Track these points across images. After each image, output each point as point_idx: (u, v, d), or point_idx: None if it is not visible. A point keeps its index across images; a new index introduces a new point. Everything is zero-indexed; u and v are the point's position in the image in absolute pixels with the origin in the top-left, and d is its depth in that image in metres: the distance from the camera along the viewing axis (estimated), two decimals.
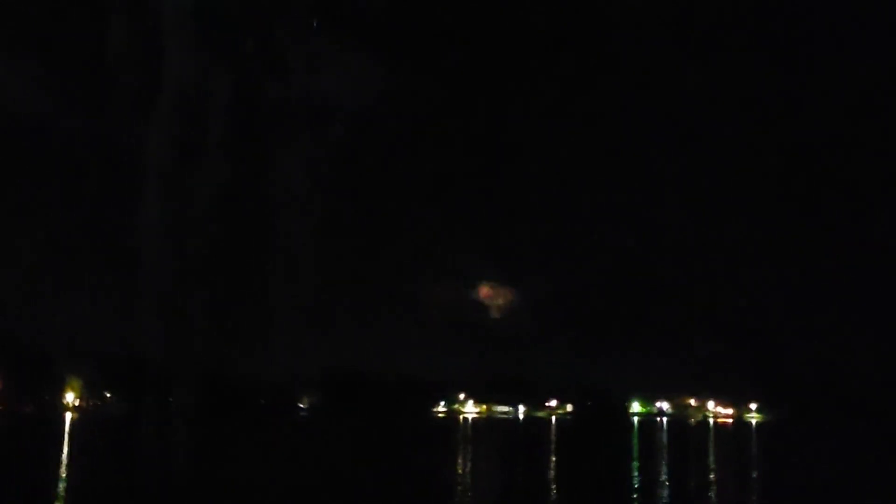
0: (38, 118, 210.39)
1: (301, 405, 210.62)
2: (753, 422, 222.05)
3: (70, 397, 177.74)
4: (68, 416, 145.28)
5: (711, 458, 72.51)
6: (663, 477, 50.60)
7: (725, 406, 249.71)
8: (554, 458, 66.59)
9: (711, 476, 53.54)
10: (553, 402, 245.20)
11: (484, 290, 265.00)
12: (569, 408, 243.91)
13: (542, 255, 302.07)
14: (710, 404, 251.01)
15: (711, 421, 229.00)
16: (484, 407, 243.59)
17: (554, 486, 43.97)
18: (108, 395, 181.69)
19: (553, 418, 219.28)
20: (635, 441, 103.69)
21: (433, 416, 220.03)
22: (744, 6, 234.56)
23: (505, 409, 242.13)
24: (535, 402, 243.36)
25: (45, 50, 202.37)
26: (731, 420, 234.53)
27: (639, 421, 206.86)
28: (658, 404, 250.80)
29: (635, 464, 63.00)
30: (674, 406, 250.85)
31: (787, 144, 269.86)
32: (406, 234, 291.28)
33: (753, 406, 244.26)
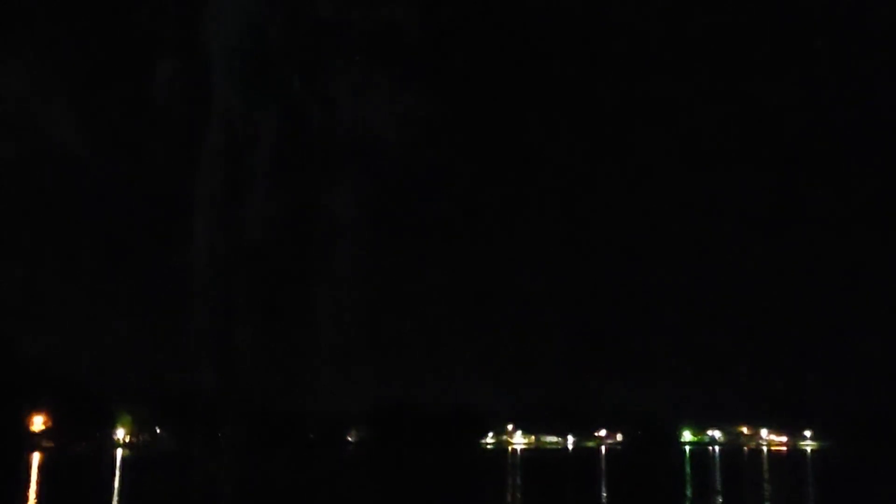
0: (86, 158, 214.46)
1: (349, 438, 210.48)
2: (808, 450, 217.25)
3: (121, 434, 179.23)
4: (119, 452, 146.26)
5: (770, 490, 70.72)
6: None
7: (779, 434, 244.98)
8: (605, 494, 65.45)
9: None
10: (602, 432, 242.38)
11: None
12: (618, 437, 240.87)
13: (589, 283, 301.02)
14: (764, 432, 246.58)
15: (765, 449, 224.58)
16: (532, 438, 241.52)
17: None
18: (159, 431, 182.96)
19: (603, 448, 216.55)
20: (688, 470, 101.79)
21: (481, 447, 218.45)
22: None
23: (554, 439, 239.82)
24: (585, 432, 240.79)
25: (94, 87, 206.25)
26: (785, 448, 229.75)
27: (690, 450, 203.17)
28: (710, 433, 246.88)
29: (689, 493, 61.71)
30: (726, 434, 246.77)
31: (834, 164, 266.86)
32: (453, 265, 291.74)
33: (808, 433, 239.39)
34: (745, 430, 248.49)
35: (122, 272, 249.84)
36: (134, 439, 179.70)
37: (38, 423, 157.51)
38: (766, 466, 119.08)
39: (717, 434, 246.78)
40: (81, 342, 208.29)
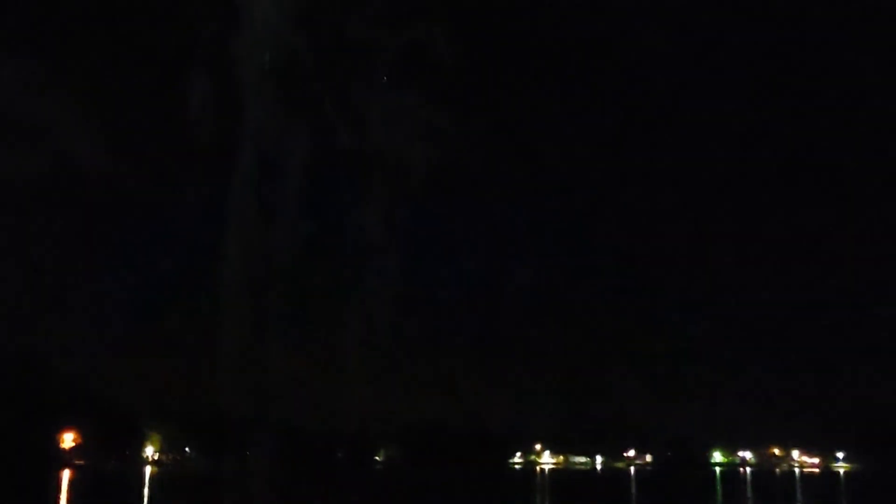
0: (117, 178, 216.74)
1: (377, 458, 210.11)
2: (841, 471, 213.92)
3: (150, 452, 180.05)
4: (148, 470, 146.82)
5: None
6: None
7: (811, 455, 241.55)
8: None
9: None
10: (631, 452, 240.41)
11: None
12: (648, 458, 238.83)
13: (620, 302, 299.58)
14: (795, 453, 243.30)
15: (797, 470, 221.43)
16: (561, 458, 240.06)
17: None
18: (188, 450, 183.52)
19: (632, 469, 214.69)
20: (719, 491, 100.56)
21: (509, 467, 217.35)
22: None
23: (582, 459, 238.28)
24: (614, 453, 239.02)
25: (126, 110, 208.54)
26: (817, 470, 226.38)
27: (721, 471, 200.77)
28: (740, 454, 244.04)
29: None
30: (757, 455, 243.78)
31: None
32: (483, 284, 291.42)
33: (840, 455, 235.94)
34: (776, 451, 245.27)
35: (153, 291, 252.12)
36: (163, 457, 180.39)
37: (68, 440, 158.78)
38: (798, 488, 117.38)
39: (748, 455, 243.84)
40: (112, 361, 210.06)
